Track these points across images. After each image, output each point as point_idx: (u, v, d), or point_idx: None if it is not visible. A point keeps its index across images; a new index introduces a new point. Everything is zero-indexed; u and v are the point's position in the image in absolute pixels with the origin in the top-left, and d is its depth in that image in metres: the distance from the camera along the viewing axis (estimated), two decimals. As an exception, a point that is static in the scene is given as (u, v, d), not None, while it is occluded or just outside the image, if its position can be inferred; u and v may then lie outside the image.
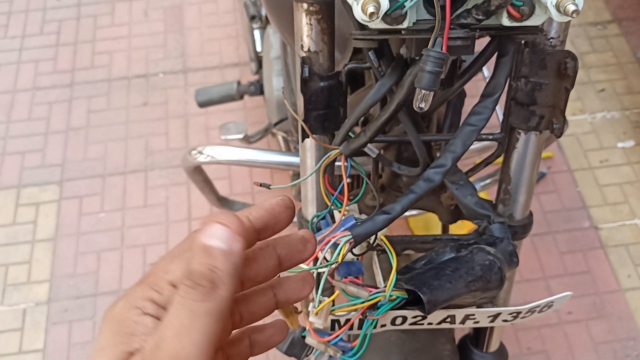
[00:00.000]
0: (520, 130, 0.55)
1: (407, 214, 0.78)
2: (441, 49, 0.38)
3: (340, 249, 0.45)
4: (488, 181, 1.10)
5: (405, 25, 0.41)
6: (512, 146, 0.57)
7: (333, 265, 0.46)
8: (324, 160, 0.53)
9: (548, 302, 0.55)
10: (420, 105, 0.39)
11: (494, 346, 0.72)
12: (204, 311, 0.26)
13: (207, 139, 1.76)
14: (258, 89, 1.38)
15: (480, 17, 0.41)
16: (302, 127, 0.52)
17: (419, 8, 0.44)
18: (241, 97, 1.40)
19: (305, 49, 0.51)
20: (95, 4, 2.01)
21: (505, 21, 0.41)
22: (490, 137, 0.57)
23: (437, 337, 0.71)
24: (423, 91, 0.39)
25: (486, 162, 0.59)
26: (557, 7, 0.37)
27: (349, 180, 0.53)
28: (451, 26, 0.43)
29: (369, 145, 0.56)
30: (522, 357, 1.41)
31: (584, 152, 1.71)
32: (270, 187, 0.56)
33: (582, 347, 1.41)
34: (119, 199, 1.65)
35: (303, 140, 0.54)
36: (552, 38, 0.50)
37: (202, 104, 1.37)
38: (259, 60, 1.41)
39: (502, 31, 0.43)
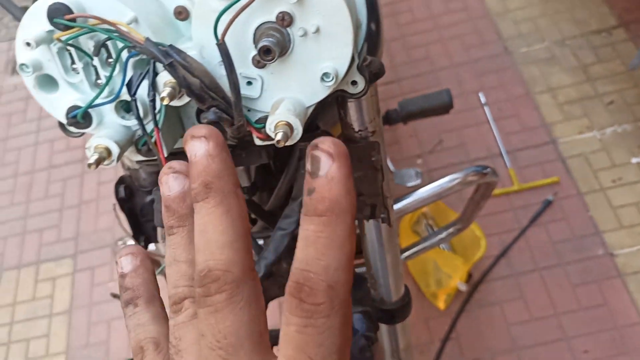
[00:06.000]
0: (362, 219, 0.53)
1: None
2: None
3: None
4: (451, 231, 1.05)
5: (166, 153, 0.41)
6: (362, 234, 0.55)
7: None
8: (160, 270, 0.53)
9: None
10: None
11: None
12: None
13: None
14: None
15: (235, 141, 0.41)
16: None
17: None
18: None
19: (125, 167, 0.52)
20: (103, 80, 2.13)
21: (257, 141, 0.40)
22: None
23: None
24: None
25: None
26: (274, 133, 0.36)
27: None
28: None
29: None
30: (539, 404, 1.32)
31: (593, 172, 1.60)
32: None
33: (602, 390, 1.30)
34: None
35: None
36: (360, 131, 0.48)
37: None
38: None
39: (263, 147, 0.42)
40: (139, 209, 0.53)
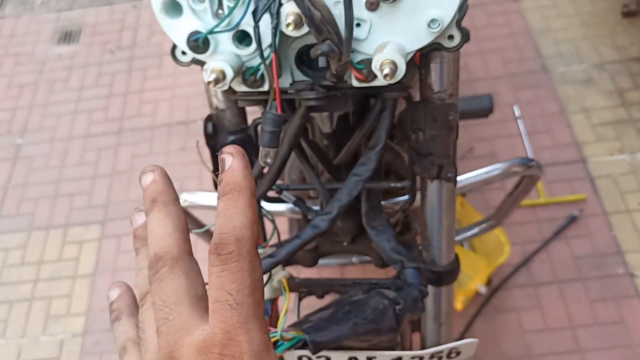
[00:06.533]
0: (426, 179, 0.56)
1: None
2: (276, 111, 0.41)
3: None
4: (484, 226, 1.08)
5: (265, 88, 0.45)
6: (423, 194, 0.58)
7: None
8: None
9: (452, 347, 0.54)
10: (267, 161, 0.42)
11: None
12: None
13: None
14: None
15: (334, 80, 0.44)
16: (213, 179, 0.56)
17: (294, 70, 0.48)
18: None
19: (213, 107, 0.56)
20: (146, 57, 2.19)
21: (355, 82, 0.44)
22: (399, 185, 0.58)
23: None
24: (265, 149, 0.42)
25: (402, 209, 0.60)
26: (380, 70, 0.40)
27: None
28: (313, 87, 0.46)
29: (285, 193, 0.59)
30: (547, 412, 1.33)
31: (621, 194, 1.62)
32: (192, 231, 0.60)
33: (612, 404, 1.31)
34: (153, 238, 1.75)
35: (216, 189, 0.58)
36: (439, 92, 0.52)
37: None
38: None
39: (357, 90, 0.45)
40: (220, 148, 0.56)
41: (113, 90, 2.11)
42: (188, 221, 1.00)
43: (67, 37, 2.30)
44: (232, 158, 0.32)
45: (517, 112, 1.82)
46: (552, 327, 1.43)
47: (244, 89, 0.45)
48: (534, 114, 1.82)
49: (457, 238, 1.05)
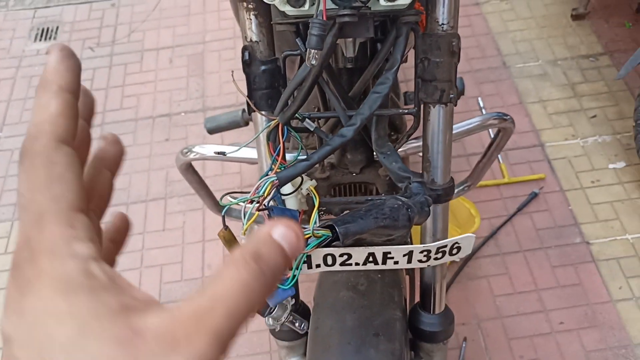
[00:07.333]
0: (430, 105, 0.67)
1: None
2: (322, 18, 0.51)
3: (266, 187, 0.57)
4: (462, 188, 1.19)
5: (306, 8, 0.55)
6: (426, 119, 0.69)
7: (266, 202, 0.58)
8: (265, 129, 0.66)
9: (453, 242, 0.64)
10: (312, 62, 0.52)
11: (439, 308, 0.81)
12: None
13: (222, 169, 1.92)
14: (261, 116, 1.53)
15: (364, 0, 0.55)
16: (247, 102, 0.66)
17: None
18: (246, 124, 1.55)
19: (248, 39, 0.65)
20: (126, 54, 2.25)
21: (382, 1, 0.54)
22: (406, 111, 0.69)
23: (387, 303, 0.81)
24: (312, 51, 0.52)
25: (408, 135, 0.71)
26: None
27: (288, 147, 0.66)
28: (343, 7, 0.56)
29: (307, 120, 0.69)
30: (516, 368, 1.45)
31: (575, 173, 1.79)
32: (226, 153, 0.69)
33: (574, 356, 1.44)
34: (140, 224, 1.80)
35: (250, 114, 0.67)
36: (443, 24, 0.63)
37: (211, 131, 1.52)
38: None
39: (383, 12, 0.56)
40: (253, 77, 0.66)
41: (94, 84, 2.15)
42: (193, 180, 1.06)
43: (45, 33, 2.33)
44: (49, 56, 0.29)
45: (480, 103, 1.97)
46: (519, 291, 1.56)
47: (288, 8, 0.55)
48: (496, 105, 1.97)
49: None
